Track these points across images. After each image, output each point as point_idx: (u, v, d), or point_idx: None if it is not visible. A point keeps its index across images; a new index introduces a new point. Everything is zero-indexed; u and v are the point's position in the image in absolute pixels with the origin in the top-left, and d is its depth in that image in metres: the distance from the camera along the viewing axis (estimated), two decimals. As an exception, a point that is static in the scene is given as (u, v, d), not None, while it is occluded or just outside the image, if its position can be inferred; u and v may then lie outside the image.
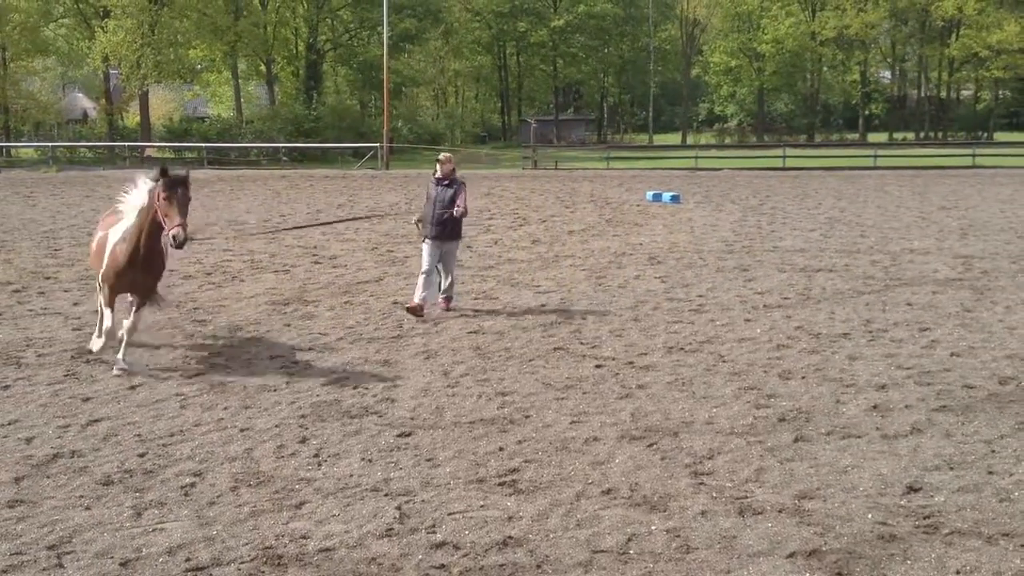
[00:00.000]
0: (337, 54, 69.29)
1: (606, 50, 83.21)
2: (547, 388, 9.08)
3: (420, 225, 12.66)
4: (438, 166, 12.59)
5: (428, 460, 7.14)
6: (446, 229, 12.27)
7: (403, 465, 7.04)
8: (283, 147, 53.54)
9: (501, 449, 7.39)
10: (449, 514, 6.15)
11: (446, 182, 12.40)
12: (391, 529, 5.93)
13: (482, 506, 6.28)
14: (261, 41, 61.46)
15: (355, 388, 9.10)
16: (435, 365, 9.94)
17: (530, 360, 10.11)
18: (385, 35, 51.57)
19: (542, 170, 46.60)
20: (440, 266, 12.45)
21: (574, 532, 5.88)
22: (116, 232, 9.59)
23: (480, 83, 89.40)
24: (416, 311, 11.98)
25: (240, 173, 44.38)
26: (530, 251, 18.20)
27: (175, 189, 9.01)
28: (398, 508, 6.24)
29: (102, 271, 9.70)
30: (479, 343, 10.87)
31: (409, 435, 7.73)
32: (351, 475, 6.84)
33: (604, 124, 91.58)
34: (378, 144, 49.11)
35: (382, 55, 52.57)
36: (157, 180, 9.08)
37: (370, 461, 7.12)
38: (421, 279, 12.20)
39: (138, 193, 9.33)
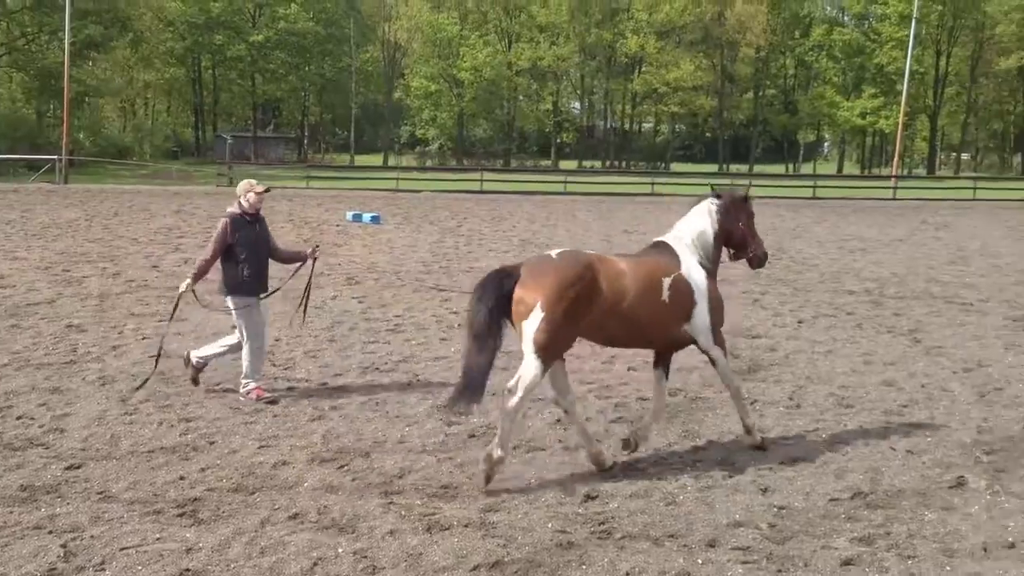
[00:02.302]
0: (12, 59, 63.98)
1: (307, 68, 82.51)
2: (235, 412, 8.74)
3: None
4: (253, 196, 9.36)
5: (99, 493, 6.64)
6: (265, 280, 9.52)
7: (70, 500, 6.50)
8: (-55, 156, 48.50)
9: (182, 478, 7.01)
10: (121, 549, 5.74)
11: (258, 218, 9.55)
12: (54, 569, 5.47)
13: (158, 539, 5.92)
14: (-80, 39, 55.64)
15: (19, 419, 8.32)
16: (112, 392, 9.28)
17: (217, 384, 9.68)
18: (67, 41, 48.15)
19: (239, 188, 45.20)
20: (245, 333, 9.27)
21: (257, 560, 5.67)
22: (697, 270, 7.79)
23: (173, 96, 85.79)
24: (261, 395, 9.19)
25: None
26: (223, 271, 17.49)
27: None
28: (63, 546, 5.75)
29: (717, 323, 7.85)
30: (162, 367, 10.02)
31: (79, 467, 7.16)
32: (10, 512, 6.23)
33: (305, 143, 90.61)
34: (56, 156, 45.63)
35: (63, 62, 49.02)
36: (734, 198, 8.13)
37: (33, 497, 6.51)
38: (251, 355, 9.22)
39: (690, 221, 8.03)
